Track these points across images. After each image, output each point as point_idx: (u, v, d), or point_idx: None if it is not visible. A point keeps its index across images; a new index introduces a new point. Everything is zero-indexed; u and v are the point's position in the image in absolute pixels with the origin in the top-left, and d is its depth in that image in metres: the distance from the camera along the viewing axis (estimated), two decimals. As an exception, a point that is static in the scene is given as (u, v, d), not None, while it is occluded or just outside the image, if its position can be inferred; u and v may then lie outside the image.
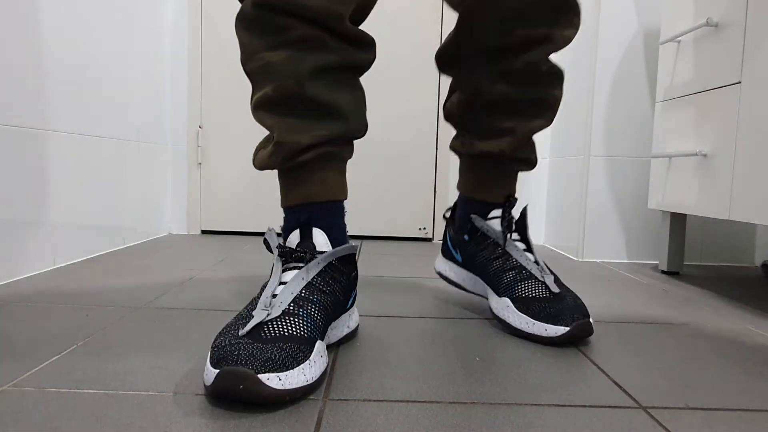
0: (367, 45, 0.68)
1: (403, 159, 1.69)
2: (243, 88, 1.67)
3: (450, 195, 1.69)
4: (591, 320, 0.70)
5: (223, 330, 0.55)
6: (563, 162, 1.57)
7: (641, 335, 0.76)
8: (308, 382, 0.51)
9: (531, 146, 0.82)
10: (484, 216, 0.82)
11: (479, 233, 0.82)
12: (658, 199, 1.23)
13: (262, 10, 0.61)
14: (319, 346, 0.55)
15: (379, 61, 1.65)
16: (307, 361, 0.52)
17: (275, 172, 1.68)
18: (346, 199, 0.71)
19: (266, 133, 1.59)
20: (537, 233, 1.72)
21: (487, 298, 0.82)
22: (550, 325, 0.70)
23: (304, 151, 0.65)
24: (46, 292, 0.89)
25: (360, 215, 1.70)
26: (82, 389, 0.51)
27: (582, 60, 1.45)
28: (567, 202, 1.53)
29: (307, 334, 0.54)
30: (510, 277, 0.77)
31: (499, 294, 0.77)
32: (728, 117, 0.99)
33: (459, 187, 0.87)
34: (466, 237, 0.84)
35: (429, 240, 1.71)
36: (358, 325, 0.72)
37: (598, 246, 1.41)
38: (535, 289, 0.74)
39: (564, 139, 1.57)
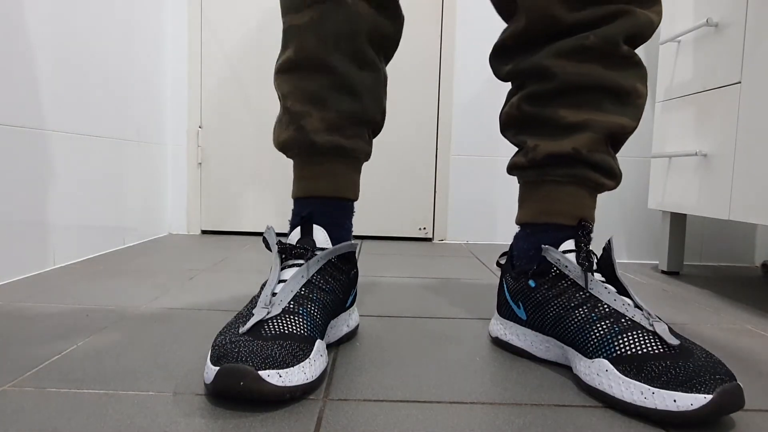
0: (395, 16, 0.66)
1: (403, 159, 1.69)
2: (243, 88, 1.67)
3: (450, 195, 1.69)
4: (740, 384, 0.48)
5: (223, 329, 0.55)
6: (563, 162, 1.57)
7: (641, 335, 0.75)
8: (308, 381, 0.51)
9: (612, 154, 0.64)
10: (555, 248, 0.62)
11: (551, 273, 0.61)
12: (658, 199, 1.23)
13: None
14: (319, 345, 0.55)
15: (379, 61, 1.65)
16: (307, 360, 0.52)
17: (275, 171, 1.68)
18: (356, 199, 0.69)
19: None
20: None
21: (569, 366, 0.60)
22: (679, 393, 0.47)
23: (320, 129, 0.63)
24: (46, 292, 0.89)
25: (360, 215, 1.70)
26: (82, 389, 0.51)
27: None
28: (567, 202, 1.53)
29: (307, 332, 0.54)
30: (603, 330, 0.55)
31: (589, 355, 0.55)
32: (728, 117, 0.99)
33: (518, 219, 0.69)
34: (531, 282, 0.63)
35: (429, 240, 1.71)
36: (358, 325, 0.72)
37: (598, 246, 1.41)
38: (644, 343, 0.52)
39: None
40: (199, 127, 1.68)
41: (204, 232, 1.72)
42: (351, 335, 0.70)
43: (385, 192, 1.70)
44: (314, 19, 0.61)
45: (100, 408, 0.48)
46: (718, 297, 1.02)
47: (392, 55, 0.70)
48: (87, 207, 1.21)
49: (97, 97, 1.24)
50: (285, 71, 0.64)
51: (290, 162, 1.67)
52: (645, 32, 0.61)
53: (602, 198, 1.39)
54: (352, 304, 0.70)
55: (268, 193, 1.70)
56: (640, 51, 1.37)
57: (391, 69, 1.65)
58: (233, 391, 0.47)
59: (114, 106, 1.32)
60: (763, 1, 0.91)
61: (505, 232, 1.70)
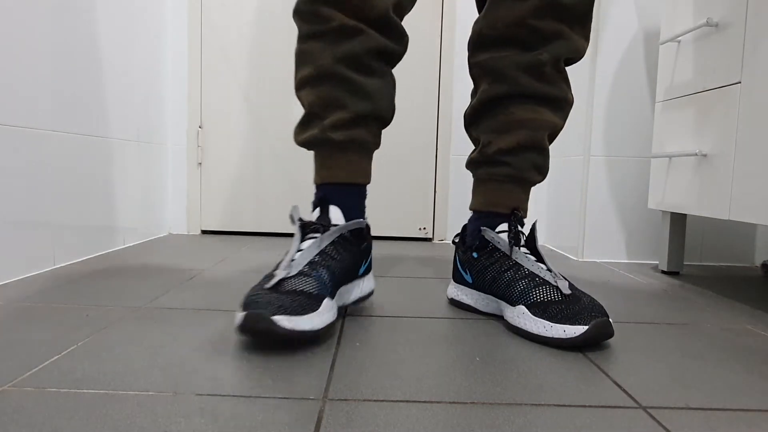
0: (399, 36, 0.80)
1: (403, 159, 1.70)
2: (243, 88, 1.67)
3: (450, 195, 1.69)
4: (611, 320, 0.68)
5: (254, 286, 0.68)
6: (563, 162, 1.57)
7: (641, 335, 0.76)
8: (314, 328, 0.63)
9: (545, 154, 0.84)
10: (493, 229, 0.82)
11: (488, 247, 0.81)
12: (658, 199, 1.23)
13: (311, 3, 0.75)
14: (327, 302, 0.67)
15: (379, 61, 1.65)
16: (315, 312, 0.64)
17: (273, 174, 1.68)
18: (368, 183, 0.82)
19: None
20: (537, 233, 1.72)
21: (502, 317, 0.80)
22: (568, 326, 0.67)
23: (335, 127, 0.77)
24: (46, 292, 0.89)
25: (360, 215, 1.70)
26: (82, 389, 0.51)
27: (582, 60, 1.45)
28: (567, 202, 1.53)
29: (316, 291, 0.67)
30: (523, 286, 0.75)
31: (513, 304, 0.75)
32: (728, 117, 0.99)
33: (471, 206, 0.88)
34: (474, 254, 0.83)
35: (429, 240, 1.71)
36: (372, 291, 0.84)
37: (598, 246, 1.41)
38: (549, 294, 0.72)
39: (564, 139, 1.57)
40: (199, 127, 1.68)
41: (204, 232, 1.72)
42: (364, 298, 0.82)
43: (385, 192, 1.70)
44: (331, 42, 0.75)
45: (100, 408, 0.48)
46: (718, 297, 1.02)
47: (397, 63, 0.83)
48: (87, 207, 1.21)
49: (97, 97, 1.24)
50: (306, 84, 0.77)
51: (289, 161, 1.68)
52: (579, 56, 0.81)
53: (602, 198, 1.39)
54: (366, 273, 0.83)
55: (268, 193, 1.70)
56: (638, 50, 1.37)
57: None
58: (253, 332, 0.61)
59: (114, 106, 1.32)
60: (763, 1, 0.91)
61: (505, 232, 1.70)
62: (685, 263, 1.43)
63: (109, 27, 1.28)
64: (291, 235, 1.69)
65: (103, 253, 1.28)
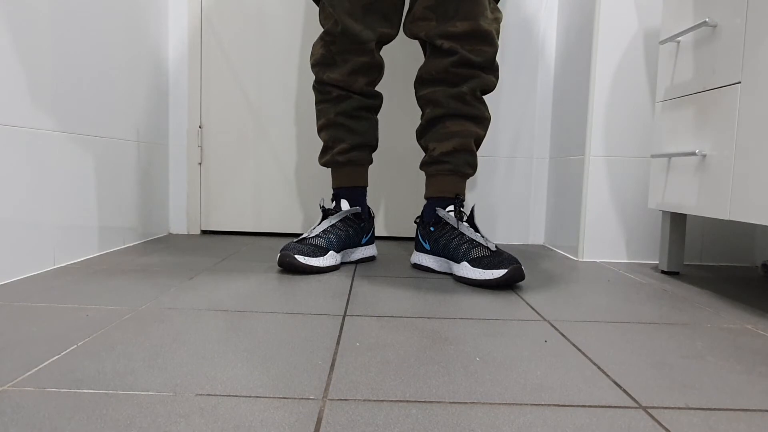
0: (376, 96, 1.24)
1: (403, 160, 1.70)
2: (243, 88, 1.67)
3: (450, 195, 1.68)
4: (522, 267, 1.01)
5: (288, 242, 1.17)
6: (563, 162, 1.57)
7: (641, 335, 0.76)
8: (321, 266, 1.10)
9: (473, 155, 1.18)
10: (443, 209, 1.15)
11: (441, 222, 1.15)
12: (658, 199, 1.23)
13: (319, 83, 1.22)
14: (331, 253, 1.14)
15: (379, 61, 1.65)
16: (322, 257, 1.11)
17: (273, 176, 1.69)
18: (365, 185, 1.26)
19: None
20: (537, 233, 1.72)
21: (451, 273, 1.12)
22: (494, 270, 0.99)
23: (339, 153, 1.22)
24: (46, 292, 0.89)
25: (360, 215, 1.70)
26: (82, 389, 0.51)
27: (581, 60, 1.45)
28: (567, 202, 1.53)
29: (325, 245, 1.13)
30: (465, 248, 1.07)
31: (458, 261, 1.07)
32: (728, 117, 0.99)
33: (425, 195, 1.21)
34: (431, 228, 1.17)
35: (429, 240, 1.71)
36: (373, 256, 1.29)
37: (598, 246, 1.41)
38: (483, 252, 1.05)
39: (564, 139, 1.57)
40: (199, 127, 1.68)
41: (204, 232, 1.72)
42: (365, 260, 1.27)
43: (385, 193, 1.70)
44: (332, 105, 1.21)
45: (100, 408, 0.48)
46: (718, 297, 1.02)
47: (378, 111, 1.27)
48: (87, 207, 1.21)
49: (97, 97, 1.24)
50: (322, 129, 1.24)
51: (289, 161, 1.68)
52: (490, 88, 1.17)
53: (602, 198, 1.39)
54: (368, 243, 1.27)
55: (268, 193, 1.70)
56: (638, 50, 1.37)
57: (391, 69, 1.66)
58: (284, 264, 1.07)
59: (114, 105, 1.32)
60: (763, 1, 0.91)
61: (504, 231, 1.70)
62: (685, 263, 1.43)
63: (109, 27, 1.28)
64: (290, 235, 1.70)
65: (103, 253, 1.28)
